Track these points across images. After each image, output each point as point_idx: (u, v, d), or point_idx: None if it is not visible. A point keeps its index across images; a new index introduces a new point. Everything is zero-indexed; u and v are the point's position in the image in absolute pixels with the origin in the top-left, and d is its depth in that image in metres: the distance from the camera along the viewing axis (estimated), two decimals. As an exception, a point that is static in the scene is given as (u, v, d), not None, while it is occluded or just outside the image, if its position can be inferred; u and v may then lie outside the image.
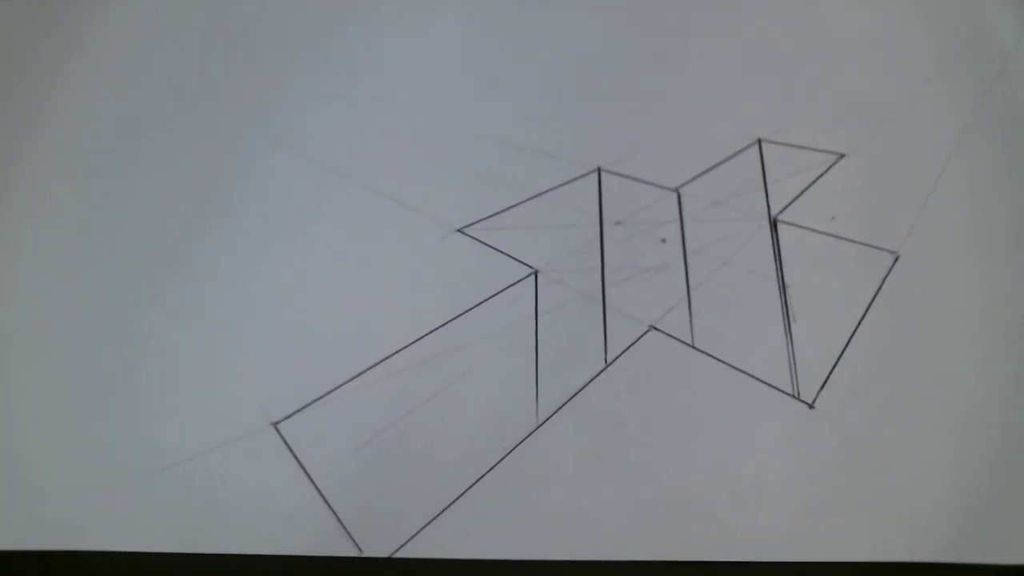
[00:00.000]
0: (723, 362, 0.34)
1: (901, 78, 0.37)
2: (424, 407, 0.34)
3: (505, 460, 0.33)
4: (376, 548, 0.32)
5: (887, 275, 0.34)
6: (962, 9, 0.38)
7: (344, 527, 0.32)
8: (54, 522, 0.33)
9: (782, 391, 0.33)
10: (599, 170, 0.37)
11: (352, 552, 0.32)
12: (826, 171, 0.36)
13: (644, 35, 0.39)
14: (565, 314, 0.35)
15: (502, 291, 0.35)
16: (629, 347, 0.34)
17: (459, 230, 0.36)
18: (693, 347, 0.34)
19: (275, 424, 0.34)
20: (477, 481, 0.33)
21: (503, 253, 0.36)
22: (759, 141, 0.37)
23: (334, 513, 0.32)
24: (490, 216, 0.36)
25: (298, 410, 0.34)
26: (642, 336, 0.34)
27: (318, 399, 0.34)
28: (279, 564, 0.32)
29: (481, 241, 0.36)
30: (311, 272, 0.36)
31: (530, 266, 0.36)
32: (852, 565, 0.31)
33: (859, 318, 0.34)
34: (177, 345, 0.35)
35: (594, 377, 0.34)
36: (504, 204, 0.36)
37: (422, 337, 0.35)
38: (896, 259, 0.34)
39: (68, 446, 0.34)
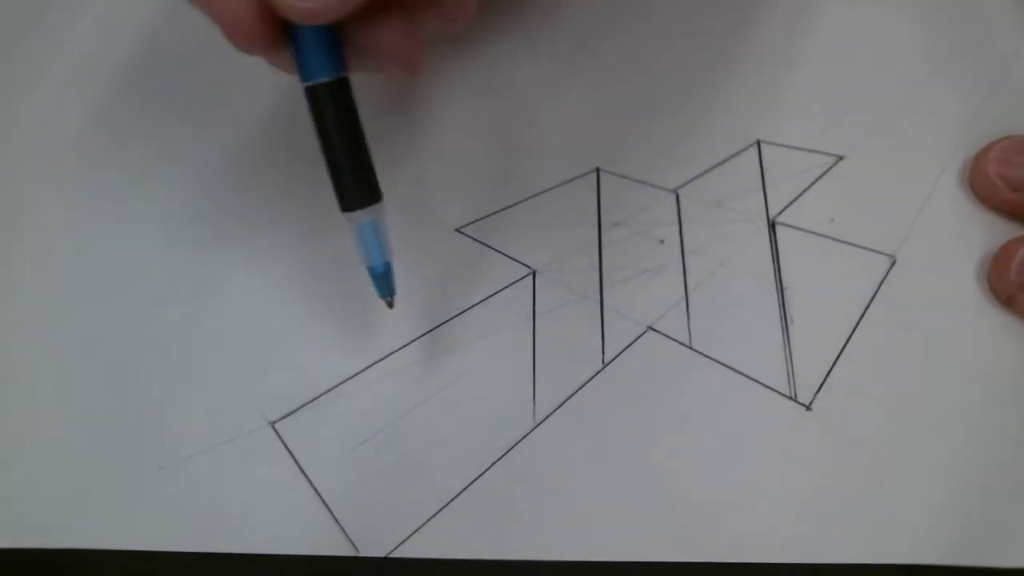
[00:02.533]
0: (720, 363, 0.34)
1: (900, 79, 0.37)
2: (421, 407, 0.34)
3: (502, 460, 0.33)
4: (372, 548, 0.32)
5: (884, 277, 0.34)
6: (962, 9, 0.38)
7: (341, 526, 0.32)
8: (51, 521, 0.33)
9: (779, 393, 0.33)
10: (598, 170, 0.37)
11: (348, 552, 0.32)
12: (824, 173, 0.36)
13: (643, 35, 0.39)
14: (563, 314, 0.35)
15: (500, 291, 0.35)
16: (627, 348, 0.34)
17: (457, 229, 0.36)
18: (691, 348, 0.34)
19: (272, 423, 0.34)
20: (474, 481, 0.33)
21: (501, 253, 0.36)
22: (758, 143, 0.36)
23: (331, 512, 0.33)
24: (488, 216, 0.36)
25: (295, 410, 0.34)
26: (640, 337, 0.34)
27: (316, 399, 0.34)
28: (275, 563, 0.32)
29: (479, 241, 0.36)
30: (309, 271, 0.36)
31: (528, 266, 0.36)
32: (850, 567, 0.31)
33: (857, 320, 0.34)
34: (174, 344, 0.35)
35: (591, 378, 0.34)
36: (502, 204, 0.36)
37: (420, 337, 0.35)
38: (893, 262, 0.34)
39: (65, 445, 0.34)
